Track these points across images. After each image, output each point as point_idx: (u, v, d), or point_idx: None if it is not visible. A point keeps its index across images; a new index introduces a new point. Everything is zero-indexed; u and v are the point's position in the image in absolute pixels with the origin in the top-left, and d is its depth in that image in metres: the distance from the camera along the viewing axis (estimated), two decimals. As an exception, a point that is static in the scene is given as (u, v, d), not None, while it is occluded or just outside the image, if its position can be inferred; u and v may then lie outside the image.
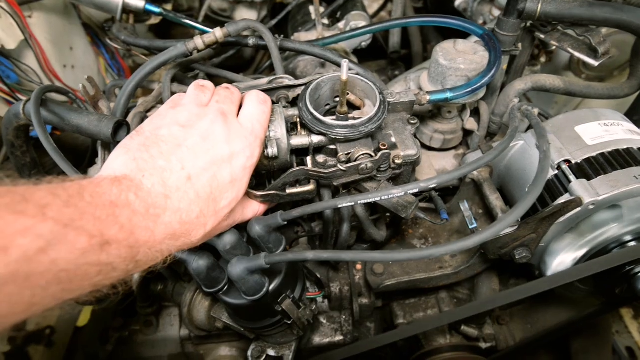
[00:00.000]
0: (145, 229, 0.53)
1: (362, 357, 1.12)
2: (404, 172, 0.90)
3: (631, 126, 0.92)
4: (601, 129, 0.88)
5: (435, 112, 1.07)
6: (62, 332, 1.42)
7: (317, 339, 1.12)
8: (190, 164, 0.59)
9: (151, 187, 0.55)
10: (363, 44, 1.49)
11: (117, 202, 0.51)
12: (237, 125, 0.66)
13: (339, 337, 1.12)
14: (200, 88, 0.71)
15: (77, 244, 0.45)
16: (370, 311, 1.15)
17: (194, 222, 0.59)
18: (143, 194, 0.54)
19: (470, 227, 0.88)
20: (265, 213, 0.83)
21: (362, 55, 1.62)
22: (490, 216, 1.01)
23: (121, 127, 0.83)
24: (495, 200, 0.93)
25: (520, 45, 1.02)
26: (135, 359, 1.15)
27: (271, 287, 0.81)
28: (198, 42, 0.97)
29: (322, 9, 1.52)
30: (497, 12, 1.43)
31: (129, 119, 0.95)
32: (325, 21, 1.52)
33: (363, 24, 1.42)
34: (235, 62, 1.87)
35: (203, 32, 1.02)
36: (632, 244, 0.84)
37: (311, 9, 1.51)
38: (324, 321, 1.15)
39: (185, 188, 0.58)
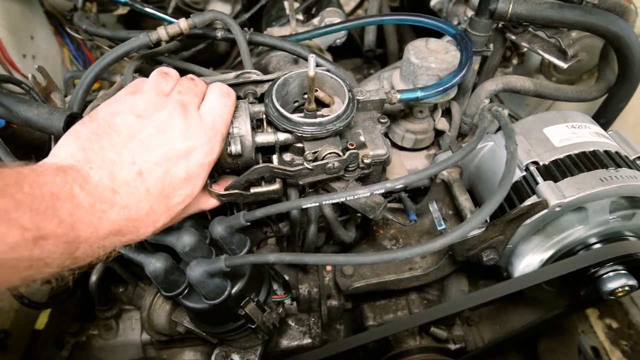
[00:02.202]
0: (88, 225, 0.49)
1: (332, 360, 1.10)
2: (374, 172, 0.88)
3: (598, 129, 0.92)
4: (569, 131, 0.89)
5: (407, 111, 1.06)
6: (17, 337, 1.34)
7: (285, 342, 1.09)
8: (142, 158, 0.56)
9: (99, 181, 0.52)
10: (338, 41, 1.46)
11: (59, 194, 0.47)
12: (197, 119, 0.63)
13: (307, 340, 1.10)
14: (163, 75, 0.67)
15: (7, 238, 0.42)
16: (339, 313, 1.13)
17: (143, 219, 0.56)
18: (89, 187, 0.50)
19: (439, 228, 0.87)
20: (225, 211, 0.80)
21: (338, 54, 1.60)
22: (459, 217, 1.01)
23: (75, 121, 0.78)
24: (464, 201, 0.93)
25: (491, 45, 1.02)
26: (93, 364, 1.09)
27: (233, 291, 0.78)
28: (162, 33, 0.93)
29: (296, 4, 1.49)
30: (471, 13, 1.43)
31: (87, 112, 0.89)
32: (300, 17, 1.49)
33: (338, 20, 1.39)
34: (208, 57, 1.82)
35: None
36: (597, 246, 0.85)
37: (286, 4, 1.48)
38: (292, 324, 1.12)
39: (136, 184, 0.55)
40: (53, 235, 0.45)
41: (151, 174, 0.56)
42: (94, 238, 0.50)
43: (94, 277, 0.99)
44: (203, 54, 1.45)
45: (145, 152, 0.56)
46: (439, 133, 1.13)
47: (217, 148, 0.65)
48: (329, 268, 1.12)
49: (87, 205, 0.49)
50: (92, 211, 0.50)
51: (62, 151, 0.54)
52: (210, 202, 0.76)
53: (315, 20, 1.46)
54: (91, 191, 0.50)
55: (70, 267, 0.50)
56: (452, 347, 1.16)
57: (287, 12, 1.44)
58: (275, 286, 0.97)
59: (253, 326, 0.85)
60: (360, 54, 1.72)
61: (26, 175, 0.46)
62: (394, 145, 1.12)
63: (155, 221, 0.58)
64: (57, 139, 0.85)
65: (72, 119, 0.77)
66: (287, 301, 1.10)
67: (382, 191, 0.68)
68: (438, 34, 1.03)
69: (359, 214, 1.03)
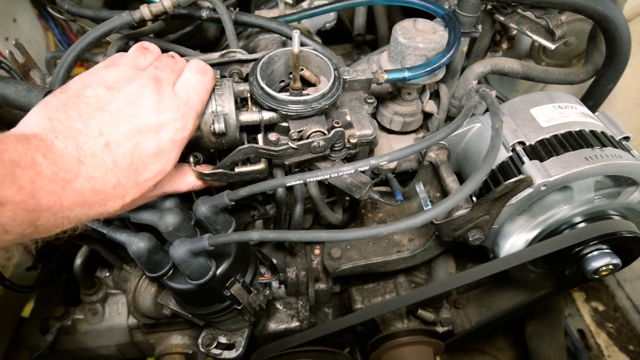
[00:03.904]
0: (50, 193, 0.48)
1: (320, 343, 1.10)
2: (360, 153, 0.87)
3: (584, 109, 0.92)
4: (555, 112, 0.88)
5: (395, 93, 1.05)
6: (3, 324, 1.33)
7: (273, 325, 1.09)
8: (109, 129, 0.55)
9: (63, 150, 0.51)
10: (327, 24, 1.45)
11: (20, 161, 0.46)
12: (170, 94, 0.61)
13: (295, 323, 1.10)
14: (142, 50, 0.66)
15: None
16: (327, 296, 1.13)
17: (110, 192, 0.55)
18: (53, 156, 0.49)
19: (425, 208, 0.86)
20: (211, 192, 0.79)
21: (328, 39, 1.58)
22: (447, 199, 1.01)
23: (54, 99, 0.76)
24: (451, 182, 0.93)
25: (480, 27, 1.01)
26: (79, 349, 1.09)
27: (218, 271, 0.77)
28: (145, 11, 0.91)
29: (285, -13, 1.46)
30: (461, -4, 1.42)
31: (68, 92, 0.88)
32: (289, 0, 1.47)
33: (327, 2, 1.37)
34: (197, 42, 1.79)
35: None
36: (582, 225, 0.85)
37: (274, -14, 1.46)
38: (280, 307, 1.12)
39: (102, 155, 0.54)
40: (10, 202, 0.45)
41: (119, 146, 0.55)
42: (57, 207, 0.49)
43: (78, 261, 0.98)
44: (192, 38, 1.42)
45: (114, 124, 0.55)
46: (427, 116, 1.12)
47: (191, 125, 0.64)
48: (317, 251, 1.12)
49: (50, 174, 0.48)
50: (55, 180, 0.49)
51: (29, 120, 0.53)
52: (187, 184, 0.75)
53: (305, 4, 1.44)
54: (55, 160, 0.49)
55: (33, 236, 0.49)
56: (440, 329, 1.17)
57: (276, -6, 1.42)
58: (262, 270, 0.97)
59: (239, 307, 0.84)
60: (351, 39, 1.70)
61: None
62: (383, 128, 1.11)
63: (124, 195, 0.57)
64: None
65: (51, 97, 0.75)
66: (275, 284, 1.10)
67: (366, 168, 0.67)
68: (429, 17, 1.02)
69: (347, 197, 1.03)
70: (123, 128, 0.56)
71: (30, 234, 0.49)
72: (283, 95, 0.74)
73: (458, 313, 1.20)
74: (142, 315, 0.96)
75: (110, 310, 1.08)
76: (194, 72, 0.66)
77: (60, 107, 0.54)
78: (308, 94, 0.77)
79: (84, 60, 1.33)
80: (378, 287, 1.16)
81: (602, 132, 0.85)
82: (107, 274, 1.09)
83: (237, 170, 0.78)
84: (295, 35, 0.68)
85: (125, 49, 1.04)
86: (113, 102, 0.56)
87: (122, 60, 0.63)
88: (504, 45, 1.38)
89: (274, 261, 1.04)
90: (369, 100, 0.87)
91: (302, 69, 0.82)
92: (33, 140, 0.49)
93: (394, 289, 1.15)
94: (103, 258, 1.01)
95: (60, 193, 0.49)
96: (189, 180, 0.74)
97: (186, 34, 1.36)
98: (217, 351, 0.94)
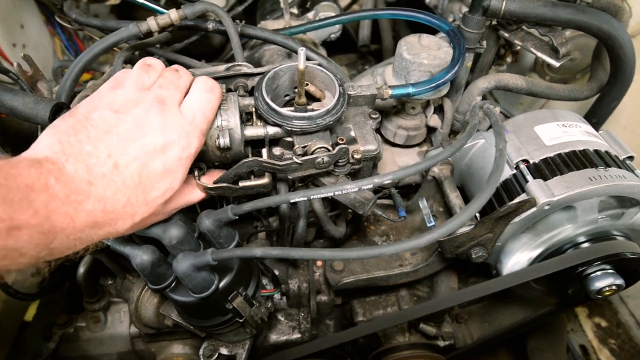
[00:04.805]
0: (63, 215, 0.50)
1: (321, 355, 1.10)
2: (364, 168, 0.88)
3: (588, 128, 0.92)
4: (559, 130, 0.89)
5: (399, 107, 1.05)
6: (6, 328, 1.33)
7: (274, 337, 1.09)
8: (118, 151, 0.57)
9: (74, 172, 0.52)
10: (332, 35, 1.46)
11: (34, 185, 0.48)
12: (176, 114, 0.63)
13: (296, 335, 1.10)
14: (145, 68, 0.67)
15: None
16: (329, 308, 1.13)
17: (120, 212, 0.57)
18: (65, 179, 0.51)
19: (429, 225, 0.86)
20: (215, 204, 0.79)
21: (333, 49, 1.59)
22: (450, 214, 1.01)
23: (61, 111, 0.77)
24: (454, 198, 0.93)
25: (484, 43, 1.01)
26: (81, 356, 1.09)
27: (221, 285, 0.77)
28: (152, 23, 0.92)
29: (291, -2, 1.48)
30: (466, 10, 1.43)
31: (74, 103, 0.88)
32: (295, 10, 1.48)
33: (332, 14, 1.38)
34: (202, 49, 1.80)
35: (163, 15, 0.96)
36: (585, 245, 0.85)
37: (280, -3, 1.47)
38: (282, 318, 1.12)
39: (112, 176, 0.55)
40: (27, 226, 0.46)
41: (127, 167, 0.57)
42: (70, 229, 0.51)
43: (81, 269, 0.99)
44: (198, 46, 1.43)
45: (122, 145, 0.57)
46: (431, 130, 1.12)
47: (196, 143, 0.65)
48: (319, 263, 1.12)
49: (62, 197, 0.50)
50: (68, 202, 0.50)
51: (40, 144, 0.55)
52: (199, 194, 0.76)
53: (310, 15, 1.45)
54: (67, 183, 0.51)
55: (46, 258, 0.51)
56: (442, 343, 1.16)
57: (282, 5, 1.43)
58: (264, 281, 0.97)
59: (241, 320, 0.85)
60: (355, 49, 1.71)
61: (1, 167, 0.47)
62: (386, 141, 1.11)
63: (133, 214, 0.59)
64: (43, 129, 0.85)
65: (58, 109, 0.76)
66: (277, 296, 1.10)
67: (370, 186, 0.67)
68: (433, 31, 1.02)
69: (349, 210, 1.03)
70: (131, 149, 0.57)
71: (45, 256, 0.50)
72: (288, 111, 0.75)
73: (460, 327, 1.20)
74: (144, 325, 0.96)
75: (112, 318, 1.09)
76: (202, 91, 0.68)
77: (69, 130, 0.55)
78: (313, 109, 0.77)
79: (90, 70, 1.34)
80: (380, 300, 1.16)
81: (606, 152, 0.85)
82: (110, 282, 1.09)
83: (241, 184, 0.79)
84: (301, 52, 0.69)
85: (131, 59, 1.05)
86: (120, 125, 0.58)
87: (126, 82, 0.64)
88: (508, 59, 1.38)
89: (276, 273, 1.04)
90: (373, 116, 0.87)
91: (307, 84, 0.83)
92: (45, 164, 0.50)
93: (395, 302, 1.15)
94: (106, 267, 1.01)
95: (72, 214, 0.51)
96: (199, 192, 0.75)
97: (192, 42, 1.37)
98: (218, 363, 0.94)
